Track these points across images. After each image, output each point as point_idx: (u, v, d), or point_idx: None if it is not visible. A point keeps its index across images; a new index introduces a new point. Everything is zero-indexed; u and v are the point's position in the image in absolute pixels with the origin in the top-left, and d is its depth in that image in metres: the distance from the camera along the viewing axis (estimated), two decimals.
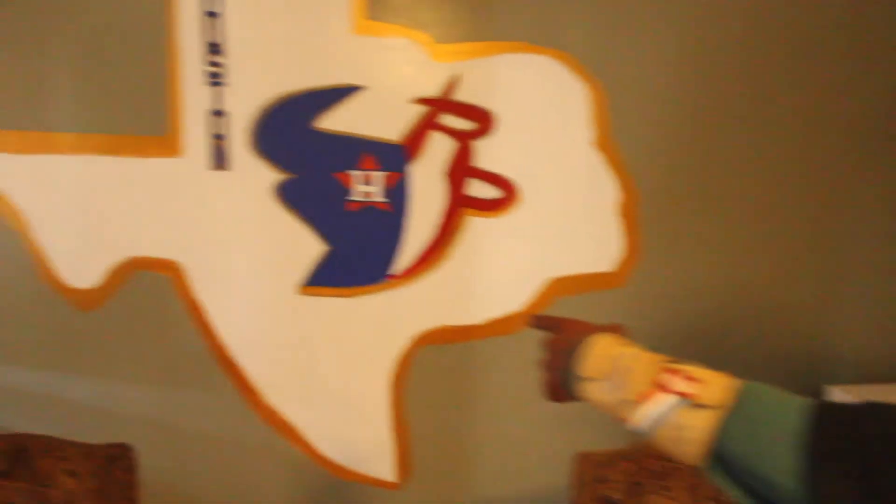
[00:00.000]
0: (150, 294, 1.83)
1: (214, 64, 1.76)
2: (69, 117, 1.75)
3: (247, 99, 1.78)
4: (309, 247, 1.85)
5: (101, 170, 1.77)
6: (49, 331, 1.83)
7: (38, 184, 1.76)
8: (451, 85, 1.85)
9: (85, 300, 1.81)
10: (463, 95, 1.86)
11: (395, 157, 1.84)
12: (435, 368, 1.96)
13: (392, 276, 1.89)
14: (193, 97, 1.76)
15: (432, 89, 1.85)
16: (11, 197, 1.77)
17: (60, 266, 1.79)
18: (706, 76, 1.95)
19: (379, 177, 1.84)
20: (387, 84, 1.83)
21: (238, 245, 1.82)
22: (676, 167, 2.00)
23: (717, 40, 1.94)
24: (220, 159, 1.78)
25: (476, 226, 1.91)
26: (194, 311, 1.84)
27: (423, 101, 1.84)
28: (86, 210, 1.78)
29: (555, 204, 1.94)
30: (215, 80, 1.76)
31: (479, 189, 1.90)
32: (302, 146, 1.81)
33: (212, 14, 1.75)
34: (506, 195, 1.91)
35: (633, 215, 1.97)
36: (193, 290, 1.82)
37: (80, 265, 1.79)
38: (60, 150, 1.75)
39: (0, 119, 1.74)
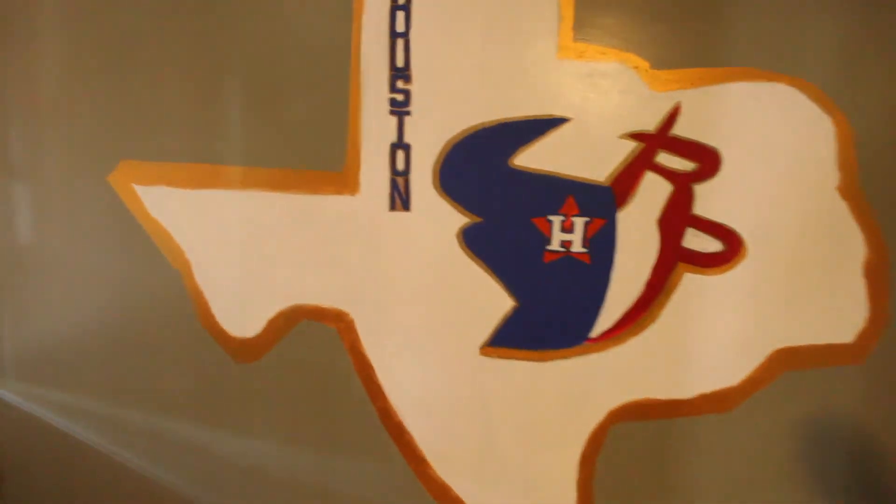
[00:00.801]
0: (315, 347, 1.52)
1: (398, 91, 1.43)
2: (238, 149, 1.47)
3: (433, 131, 1.45)
4: (495, 301, 1.50)
5: (269, 207, 1.47)
6: (205, 380, 1.56)
7: (203, 221, 1.49)
8: (670, 118, 1.46)
9: (244, 351, 1.52)
10: (683, 130, 1.47)
11: (601, 201, 1.47)
12: (632, 448, 1.57)
13: (589, 340, 1.51)
14: (374, 128, 1.45)
15: (647, 123, 1.46)
16: (175, 234, 1.50)
17: (220, 312, 1.51)
18: None
19: (580, 223, 1.47)
20: (595, 116, 1.46)
21: (415, 296, 1.49)
22: None
23: None
24: (400, 199, 1.46)
25: (691, 284, 1.51)
26: (362, 368, 1.52)
27: (637, 136, 1.46)
28: (250, 251, 1.49)
29: (787, 261, 1.51)
30: (398, 109, 1.44)
31: (697, 241, 1.49)
32: (494, 186, 1.46)
33: (399, 35, 1.43)
34: (729, 249, 1.49)
35: (882, 277, 1.51)
36: (363, 345, 1.50)
37: (241, 312, 1.51)
38: (227, 186, 1.47)
39: (168, 151, 1.48)
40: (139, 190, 1.51)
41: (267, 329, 1.53)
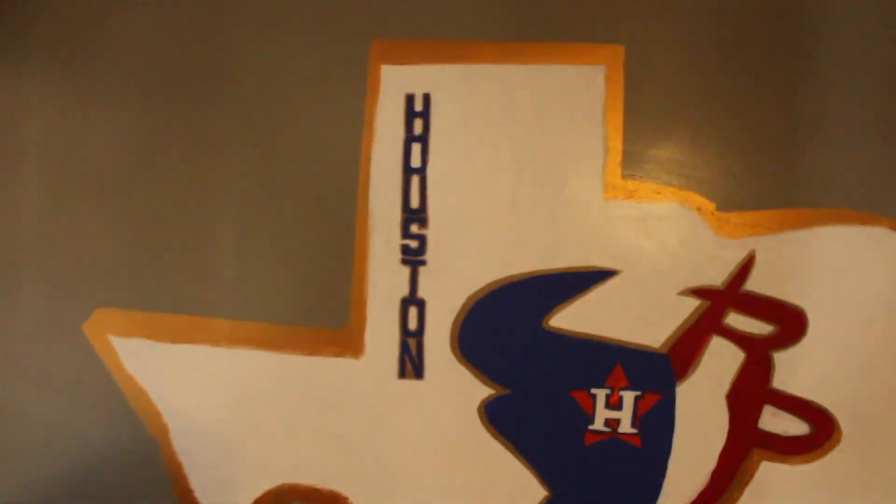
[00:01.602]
0: None
1: (412, 236, 1.16)
2: (226, 300, 1.22)
3: (452, 284, 1.17)
4: (524, 490, 1.20)
5: (259, 368, 1.21)
6: None
7: (184, 380, 1.23)
8: (743, 270, 1.15)
9: None
10: (759, 286, 1.15)
11: (656, 372, 1.16)
12: None
13: None
14: (383, 280, 1.18)
15: (714, 276, 1.15)
16: (152, 393, 1.23)
17: (199, 487, 1.24)
18: None
19: (630, 398, 1.15)
20: (648, 268, 1.16)
21: (427, 480, 1.19)
22: None
23: None
24: (411, 364, 1.17)
25: (770, 474, 1.18)
26: None
27: (701, 292, 1.15)
28: (237, 418, 1.22)
29: (893, 446, 1.15)
30: (412, 257, 1.16)
31: (776, 421, 1.16)
32: (524, 351, 1.16)
33: (414, 170, 1.16)
34: (818, 431, 1.16)
35: None
36: None
37: (224, 488, 1.24)
38: (213, 341, 1.21)
39: (149, 299, 1.23)
40: (115, 342, 1.26)
41: None
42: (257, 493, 1.24)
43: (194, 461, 1.26)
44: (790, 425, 1.18)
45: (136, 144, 1.28)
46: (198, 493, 1.26)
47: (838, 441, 1.17)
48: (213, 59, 1.26)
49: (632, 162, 1.19)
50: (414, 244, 1.19)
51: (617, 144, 1.18)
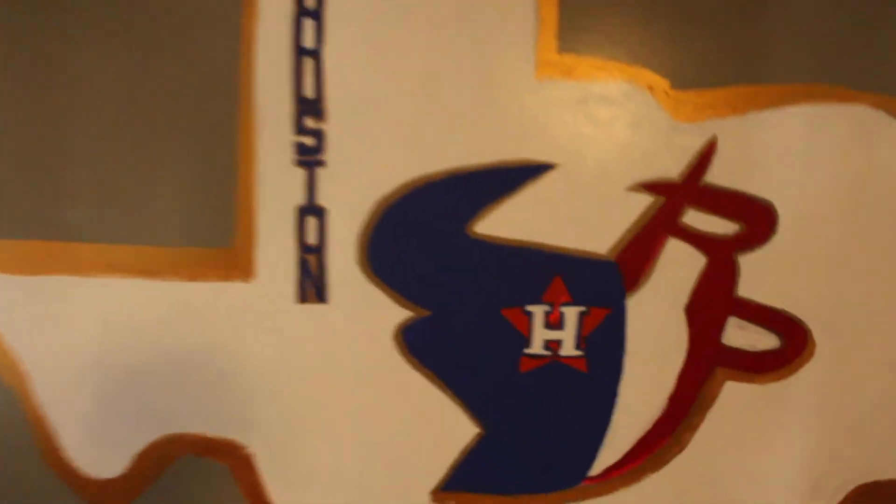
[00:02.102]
0: (200, 491, 1.04)
1: (307, 132, 0.94)
2: (90, 220, 0.99)
3: (358, 188, 0.96)
4: (451, 427, 1.02)
5: (131, 299, 1.00)
6: None
7: (45, 319, 1.01)
8: (702, 160, 0.95)
9: (105, 497, 1.05)
10: (721, 177, 0.96)
11: (602, 283, 0.98)
12: None
13: (589, 479, 1.01)
14: (273, 185, 0.97)
15: (669, 167, 0.96)
16: (7, 336, 1.01)
17: (71, 444, 1.04)
18: None
19: (572, 315, 0.97)
20: (592, 160, 0.97)
21: (337, 421, 1.01)
22: None
23: None
24: (312, 285, 0.96)
25: (735, 396, 1.02)
26: None
27: (654, 187, 0.96)
28: (110, 361, 1.01)
29: (873, 359, 1.00)
30: (308, 157, 0.95)
31: (742, 335, 0.99)
32: (446, 265, 0.97)
33: (307, 52, 0.93)
34: (789, 345, 1.00)
35: None
36: (266, 489, 1.01)
37: (100, 444, 1.04)
38: (77, 270, 1.00)
39: (15, 225, 1.00)
40: None
41: (135, 467, 1.05)
42: (140, 447, 1.04)
43: (62, 414, 1.05)
44: (758, 339, 1.01)
45: None
46: (69, 452, 1.05)
47: (811, 354, 1.01)
48: None
49: (569, 33, 0.98)
50: (310, 141, 0.97)
51: (551, 12, 0.97)
